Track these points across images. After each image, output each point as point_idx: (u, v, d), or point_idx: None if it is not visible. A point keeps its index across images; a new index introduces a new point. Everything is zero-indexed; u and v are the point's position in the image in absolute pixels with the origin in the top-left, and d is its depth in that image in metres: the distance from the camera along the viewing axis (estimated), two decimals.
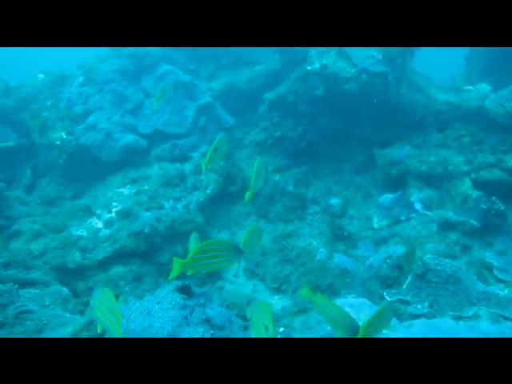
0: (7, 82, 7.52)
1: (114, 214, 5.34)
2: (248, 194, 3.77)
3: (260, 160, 3.78)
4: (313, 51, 6.31)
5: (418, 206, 5.05)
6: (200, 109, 6.72)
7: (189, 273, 2.67)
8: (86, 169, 6.57)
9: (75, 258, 4.81)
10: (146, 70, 7.13)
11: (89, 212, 5.57)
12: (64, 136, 6.47)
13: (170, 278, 2.63)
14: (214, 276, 5.29)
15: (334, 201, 5.91)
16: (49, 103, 6.97)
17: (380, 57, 5.63)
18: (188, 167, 6.25)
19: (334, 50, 6.05)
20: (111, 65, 7.09)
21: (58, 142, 6.46)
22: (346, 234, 5.24)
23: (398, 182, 5.47)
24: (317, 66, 5.95)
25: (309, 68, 6.01)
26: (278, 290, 5.05)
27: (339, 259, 4.81)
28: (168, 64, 7.36)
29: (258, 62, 8.26)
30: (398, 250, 4.39)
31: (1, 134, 7.23)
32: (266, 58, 8.31)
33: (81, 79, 7.03)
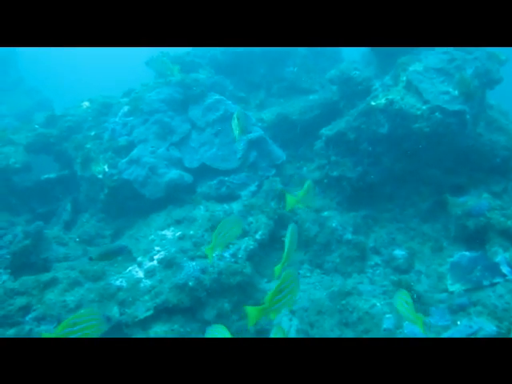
0: (54, 111, 7.32)
1: (155, 262, 4.88)
2: (278, 268, 3.49)
3: (293, 227, 3.55)
4: (377, 84, 5.74)
5: (505, 269, 4.33)
6: (250, 143, 6.24)
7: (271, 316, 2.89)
8: (128, 205, 6.21)
9: (113, 313, 4.37)
10: (194, 99, 6.74)
11: (129, 257, 5.16)
12: (106, 169, 6.13)
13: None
14: (265, 335, 4.73)
15: (399, 252, 5.26)
16: (92, 133, 6.68)
17: (456, 93, 4.99)
18: (236, 207, 5.76)
19: (402, 83, 5.45)
20: (158, 94, 6.75)
21: (100, 176, 6.13)
22: (415, 296, 4.56)
23: (476, 237, 4.77)
24: (382, 101, 5.36)
25: (373, 103, 5.43)
26: None
27: (410, 329, 4.16)
28: (217, 93, 6.96)
29: (312, 90, 7.74)
30: (485, 326, 3.70)
31: (43, 164, 7.01)
32: (319, 86, 7.78)
33: (126, 109, 6.71)
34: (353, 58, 7.34)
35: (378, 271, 5.18)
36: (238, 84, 7.99)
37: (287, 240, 3.53)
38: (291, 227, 3.58)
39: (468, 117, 4.95)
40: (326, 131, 5.89)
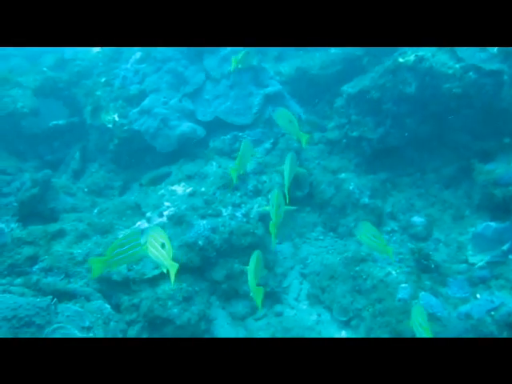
0: (63, 54, 6.99)
1: (165, 219, 4.73)
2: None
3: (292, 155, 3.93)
4: None
5: None
6: (267, 98, 5.91)
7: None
8: (138, 156, 6.01)
9: (120, 268, 4.26)
10: (210, 48, 6.36)
11: (138, 211, 5.01)
12: (116, 119, 5.90)
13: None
14: (273, 298, 4.64)
15: (417, 219, 5.05)
16: (103, 80, 6.38)
17: (495, 51, 4.60)
18: (249, 166, 5.52)
19: None
20: None
21: (109, 125, 5.91)
22: (432, 265, 4.40)
23: (503, 208, 4.53)
24: (411, 58, 4.98)
25: (401, 60, 5.06)
26: (346, 325, 4.35)
27: (426, 300, 4.01)
28: None
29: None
30: (508, 302, 3.54)
31: (53, 109, 6.78)
32: None
33: (138, 55, 6.36)
34: None
35: (394, 238, 5.00)
36: None
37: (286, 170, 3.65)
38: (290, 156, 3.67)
39: (506, 77, 4.58)
40: (348, 88, 5.55)
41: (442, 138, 5.33)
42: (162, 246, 2.97)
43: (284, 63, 7.09)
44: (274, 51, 7.50)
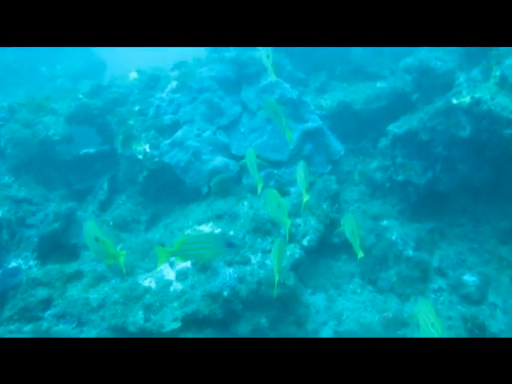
0: (100, 81, 6.90)
1: (189, 264, 4.39)
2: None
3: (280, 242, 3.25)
4: (461, 78, 4.89)
5: None
6: (306, 134, 5.56)
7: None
8: (168, 190, 5.74)
9: (137, 318, 3.94)
10: (249, 79, 6.11)
11: None
12: (147, 150, 5.66)
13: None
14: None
15: (469, 278, 4.50)
16: (137, 108, 6.20)
17: None
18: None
19: (494, 79, 4.57)
20: (209, 70, 6.17)
21: (140, 156, 5.68)
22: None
23: None
24: (466, 99, 4.52)
25: (454, 101, 4.59)
26: None
27: None
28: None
29: (380, 76, 6.89)
30: None
31: (86, 137, 6.67)
32: (389, 71, 6.91)
33: (174, 84, 6.18)
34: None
35: (442, 298, 4.46)
36: (297, 64, 7.26)
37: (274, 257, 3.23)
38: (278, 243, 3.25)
39: None
40: (394, 128, 5.11)
41: (499, 188, 4.79)
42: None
43: (326, 95, 6.73)
44: (316, 82, 7.18)
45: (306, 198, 3.49)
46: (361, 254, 3.34)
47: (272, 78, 3.86)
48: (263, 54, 3.84)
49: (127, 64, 14.42)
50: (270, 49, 3.79)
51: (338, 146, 5.79)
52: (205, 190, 5.52)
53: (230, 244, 3.09)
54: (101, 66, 12.47)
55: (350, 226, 3.42)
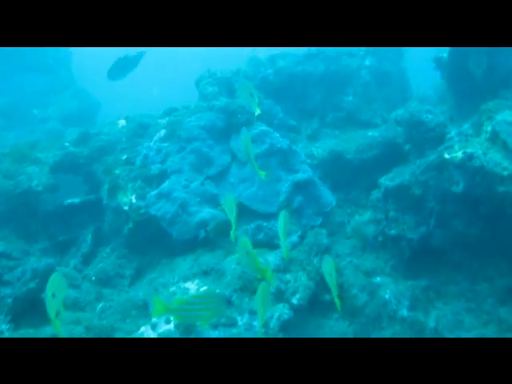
0: (87, 129, 6.79)
1: (172, 326, 4.15)
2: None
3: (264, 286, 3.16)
4: (453, 132, 4.81)
5: None
6: (296, 186, 5.43)
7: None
8: (154, 242, 5.55)
9: None
10: (238, 128, 6.01)
11: (145, 312, 4.48)
12: (133, 201, 5.51)
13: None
14: None
15: None
16: (124, 157, 6.09)
17: None
18: (272, 260, 4.96)
19: (485, 134, 4.49)
20: (198, 119, 6.09)
21: (125, 208, 5.52)
22: None
23: None
24: (458, 154, 4.42)
25: (446, 156, 4.50)
26: None
27: None
28: (265, 121, 6.23)
29: (372, 124, 6.85)
30: None
31: (72, 186, 6.50)
32: (381, 120, 6.88)
33: (162, 133, 6.09)
34: (423, 92, 6.41)
35: None
36: (289, 111, 7.22)
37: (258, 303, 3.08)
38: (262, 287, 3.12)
39: None
40: (386, 181, 5.00)
41: (494, 245, 4.64)
42: None
43: (318, 143, 6.66)
44: (308, 130, 7.13)
45: (285, 250, 3.73)
46: (338, 303, 3.25)
47: (256, 111, 3.73)
48: (245, 93, 3.75)
49: (122, 101, 14.48)
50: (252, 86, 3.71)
51: (329, 197, 5.65)
52: (202, 234, 5.34)
53: (229, 302, 3.18)
54: (94, 107, 12.49)
55: (328, 269, 3.39)
